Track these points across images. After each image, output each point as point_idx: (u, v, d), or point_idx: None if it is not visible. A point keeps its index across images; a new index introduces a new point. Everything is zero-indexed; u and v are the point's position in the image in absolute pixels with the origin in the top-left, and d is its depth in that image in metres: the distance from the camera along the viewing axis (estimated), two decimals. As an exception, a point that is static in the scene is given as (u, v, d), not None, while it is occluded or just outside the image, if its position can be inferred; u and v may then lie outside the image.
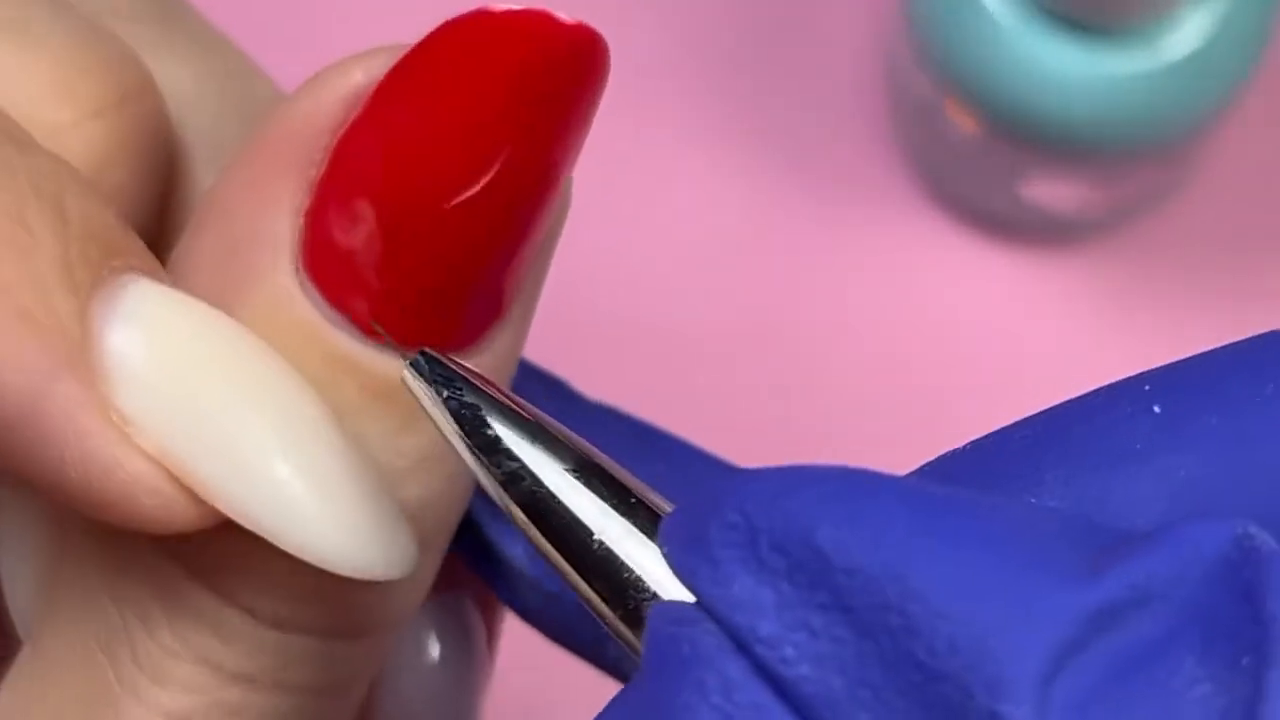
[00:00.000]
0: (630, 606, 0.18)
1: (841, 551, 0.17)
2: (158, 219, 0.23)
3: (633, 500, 0.19)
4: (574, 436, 0.19)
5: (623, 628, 0.18)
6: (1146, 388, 0.19)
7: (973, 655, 0.16)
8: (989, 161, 0.49)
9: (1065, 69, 0.45)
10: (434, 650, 0.26)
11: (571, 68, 0.21)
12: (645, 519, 0.19)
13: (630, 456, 0.23)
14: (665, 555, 0.18)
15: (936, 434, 0.56)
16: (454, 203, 0.20)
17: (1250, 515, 0.17)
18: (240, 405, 0.20)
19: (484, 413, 0.19)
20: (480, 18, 0.20)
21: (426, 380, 0.20)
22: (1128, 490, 0.18)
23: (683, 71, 0.53)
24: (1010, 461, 0.19)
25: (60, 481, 0.20)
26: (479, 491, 0.24)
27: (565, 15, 0.21)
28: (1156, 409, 0.18)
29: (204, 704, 0.21)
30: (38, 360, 0.19)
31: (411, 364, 0.20)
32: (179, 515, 0.20)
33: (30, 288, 0.19)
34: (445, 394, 0.19)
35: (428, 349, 0.20)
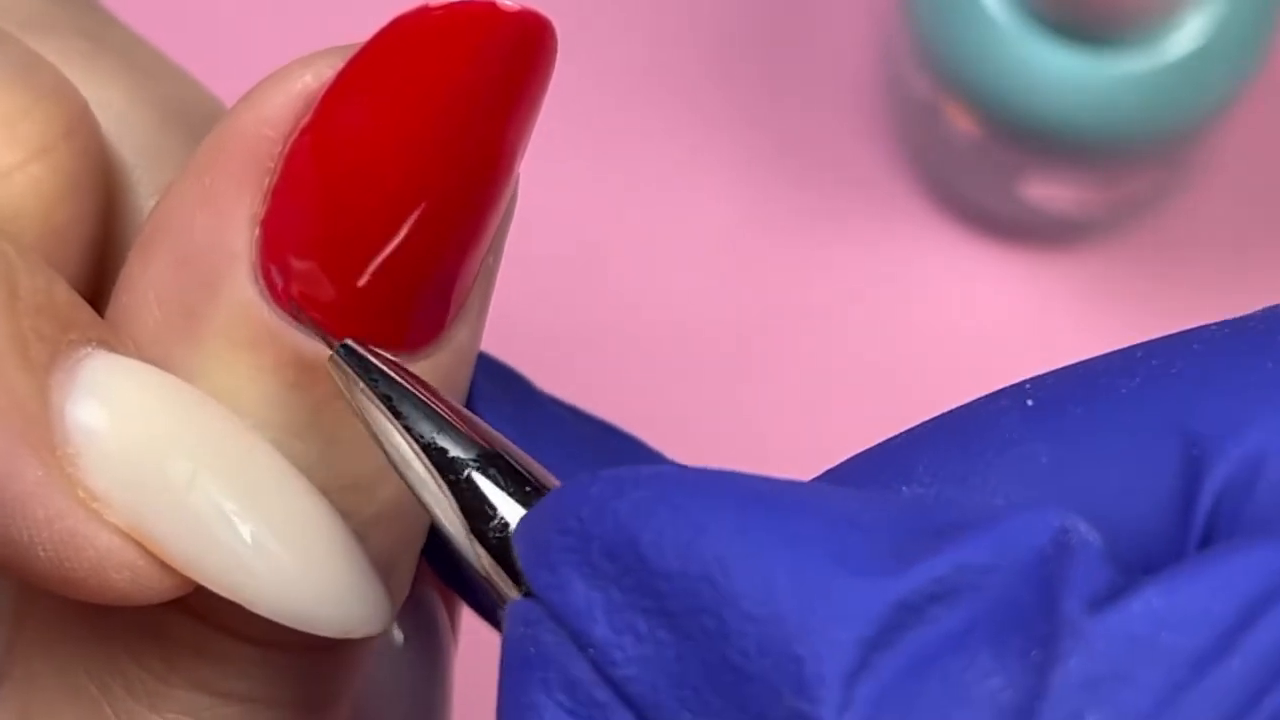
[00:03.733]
0: (525, 591, 0.19)
1: (660, 556, 0.17)
2: (101, 243, 0.23)
3: (528, 489, 0.19)
4: (483, 425, 0.20)
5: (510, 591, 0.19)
6: (1027, 386, 0.19)
7: (779, 656, 0.16)
8: (989, 162, 0.49)
9: (1065, 69, 0.45)
10: (398, 638, 0.26)
11: (520, 56, 0.21)
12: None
13: (584, 456, 0.24)
14: (517, 557, 0.18)
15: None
16: (405, 206, 0.20)
17: (1098, 504, 0.18)
18: (206, 477, 0.20)
19: (395, 401, 0.20)
20: (423, 14, 0.20)
21: (348, 366, 0.20)
22: (988, 476, 0.18)
23: (682, 71, 0.53)
24: (892, 455, 0.19)
25: (29, 561, 0.19)
26: None
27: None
28: (1029, 402, 0.19)
29: None
30: None
31: (334, 351, 0.20)
32: (151, 588, 0.20)
33: None
34: (362, 385, 0.20)
35: (350, 340, 0.20)
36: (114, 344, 0.20)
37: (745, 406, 0.51)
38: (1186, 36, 0.45)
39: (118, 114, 0.23)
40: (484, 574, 0.19)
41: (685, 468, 0.18)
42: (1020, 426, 0.19)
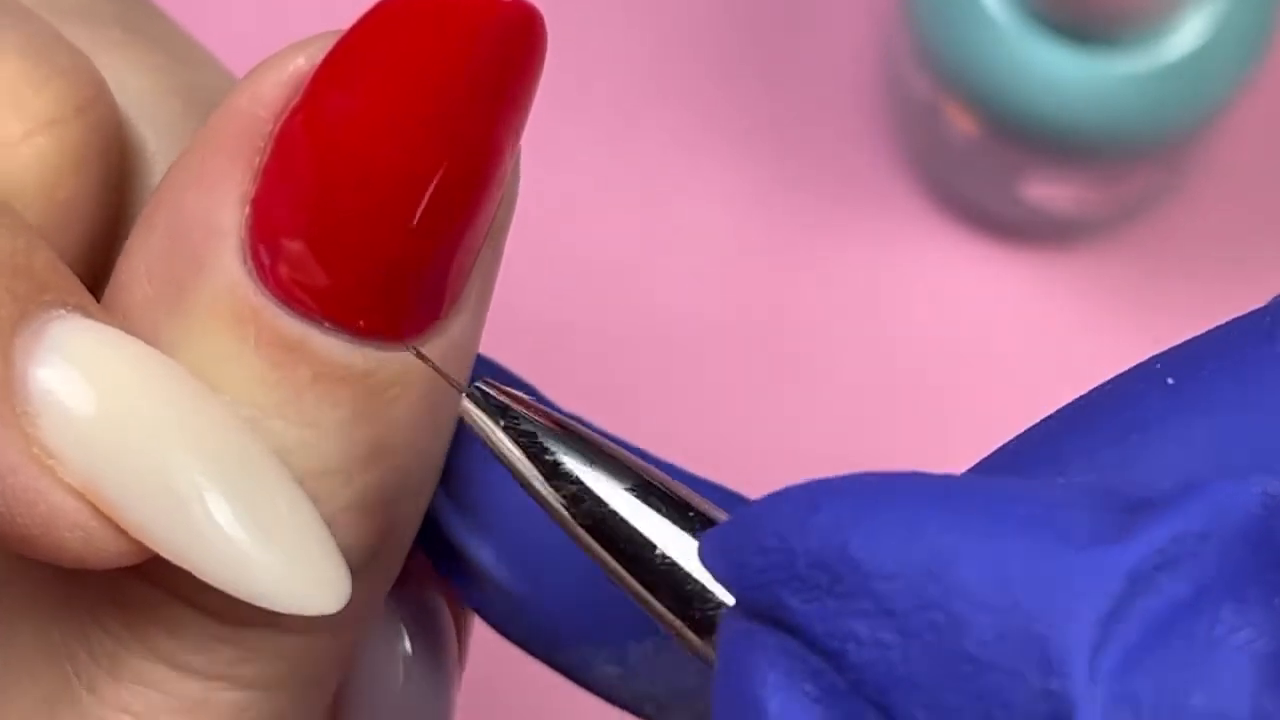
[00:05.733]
0: (696, 617, 0.19)
1: (877, 558, 0.17)
2: (115, 223, 0.23)
3: (690, 514, 0.19)
4: (629, 455, 0.20)
5: (691, 636, 0.19)
6: (1158, 366, 0.19)
7: (1020, 640, 0.16)
8: (989, 162, 0.49)
9: (1065, 69, 0.45)
10: (405, 645, 0.26)
11: (512, 41, 0.21)
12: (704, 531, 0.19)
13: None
14: (718, 581, 0.18)
15: (936, 433, 0.56)
16: (395, 188, 0.20)
17: (1269, 471, 0.18)
18: (168, 443, 0.20)
19: (541, 438, 0.20)
20: None
21: (484, 410, 0.20)
22: (1148, 458, 0.18)
23: (682, 72, 0.53)
24: (1037, 448, 0.19)
25: None
26: (444, 493, 0.24)
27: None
28: (1170, 380, 0.19)
29: (161, 699, 0.21)
30: None
31: (468, 394, 0.20)
32: (104, 549, 0.20)
33: None
34: (503, 422, 0.20)
35: (482, 381, 0.20)
36: (91, 310, 0.20)
37: (746, 406, 0.51)
38: (1186, 36, 0.45)
39: (141, 97, 0.23)
40: (651, 605, 0.19)
41: (868, 474, 0.18)
42: (1165, 404, 0.19)
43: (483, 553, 0.24)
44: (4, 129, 0.21)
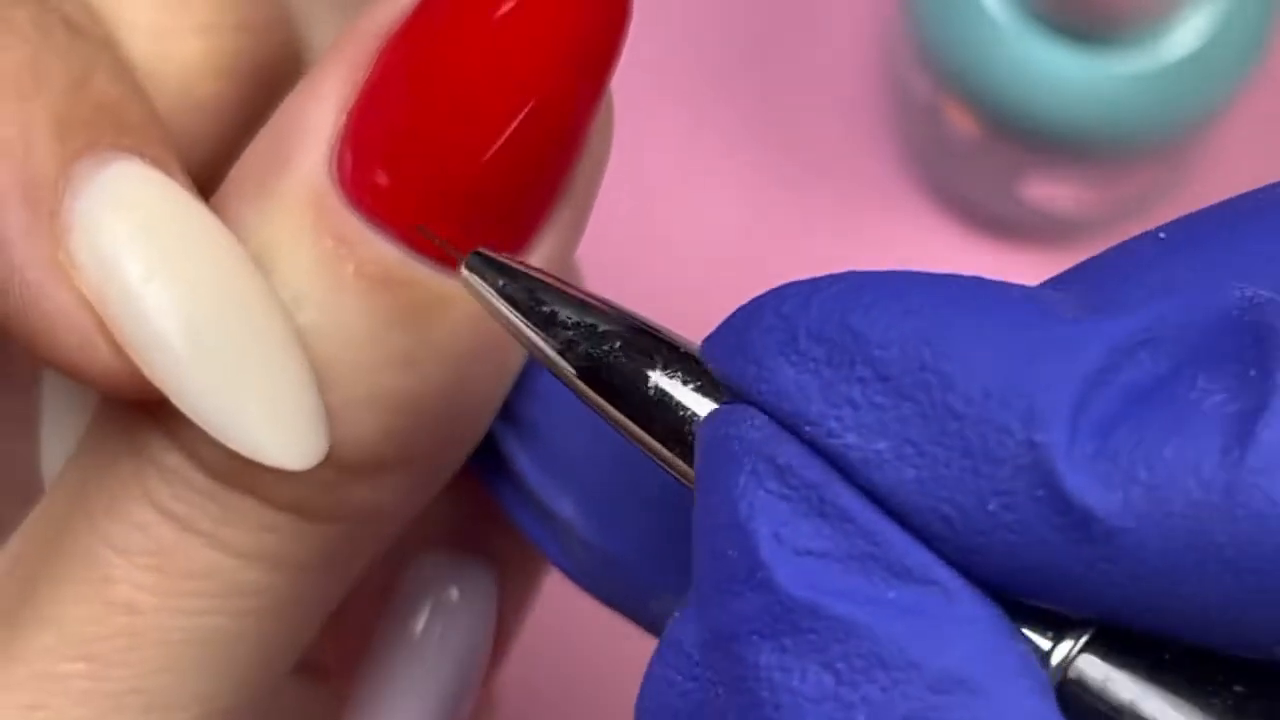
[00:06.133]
0: (689, 443, 0.20)
1: (875, 327, 0.18)
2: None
3: (681, 350, 0.20)
4: (621, 305, 0.21)
5: (682, 464, 0.20)
6: (1154, 229, 0.20)
7: (1006, 395, 0.17)
8: (989, 161, 0.49)
9: (1065, 69, 0.45)
10: (453, 594, 0.27)
11: (603, 6, 0.22)
12: (694, 367, 0.20)
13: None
14: (710, 368, 0.19)
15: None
16: (478, 117, 0.21)
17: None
18: (177, 281, 0.21)
19: (537, 292, 0.20)
20: None
21: (481, 274, 0.21)
22: (1138, 295, 0.19)
23: (682, 72, 0.53)
24: (1034, 291, 0.20)
25: None
26: (525, 449, 0.24)
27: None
28: (1161, 235, 0.20)
29: (140, 539, 0.22)
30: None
31: (466, 262, 0.21)
32: (98, 361, 0.21)
33: (14, 123, 0.21)
34: (501, 282, 0.21)
35: (481, 248, 0.21)
36: (168, 166, 0.22)
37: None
38: (1186, 36, 0.45)
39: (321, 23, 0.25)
40: (641, 439, 0.20)
41: (867, 270, 0.19)
42: (1157, 252, 0.20)
43: (564, 506, 0.25)
44: (162, 18, 0.23)
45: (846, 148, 0.53)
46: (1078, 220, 0.51)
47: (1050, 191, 0.49)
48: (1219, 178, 0.52)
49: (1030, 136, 0.46)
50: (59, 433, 0.25)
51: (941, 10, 0.46)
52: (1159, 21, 0.44)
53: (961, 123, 0.48)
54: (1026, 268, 0.52)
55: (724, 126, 0.53)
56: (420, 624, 0.26)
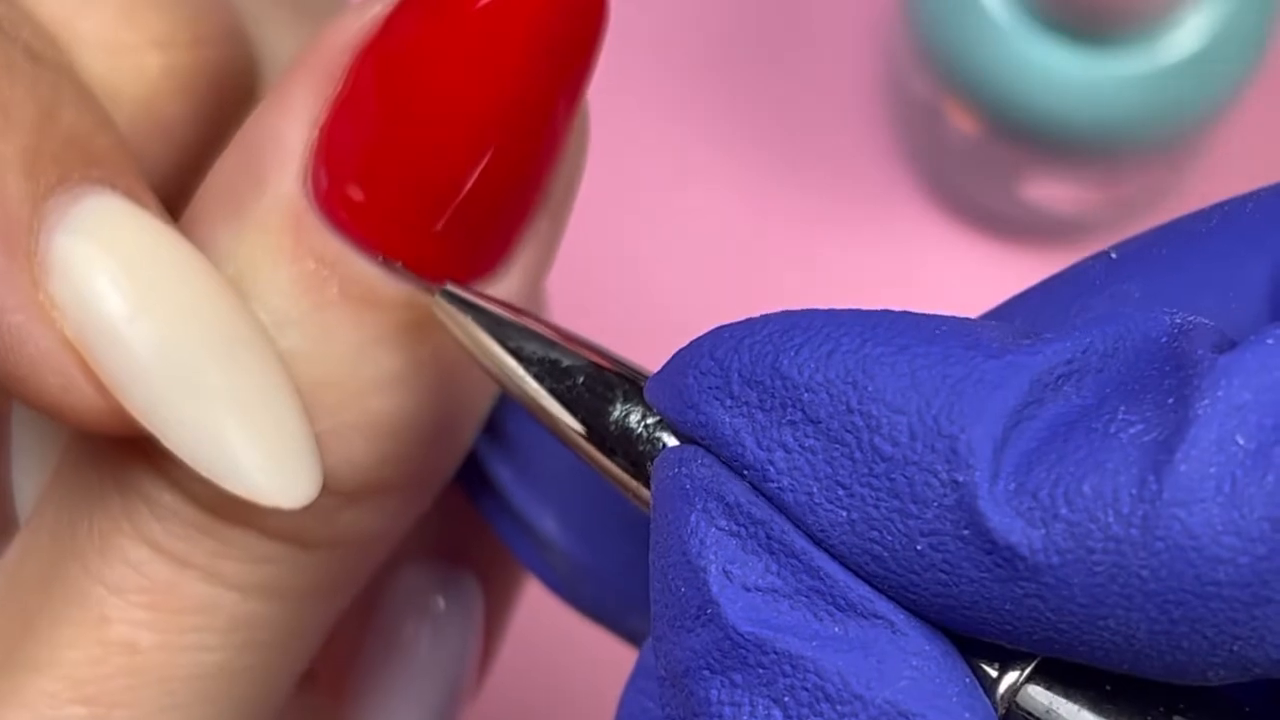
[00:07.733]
0: (648, 475, 0.20)
1: (804, 370, 0.18)
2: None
3: (640, 386, 0.20)
4: (585, 339, 0.21)
5: (646, 493, 0.20)
6: (1107, 249, 0.21)
7: (930, 436, 0.18)
8: (989, 161, 0.49)
9: (1065, 69, 0.45)
10: (439, 605, 0.27)
11: (575, 17, 0.22)
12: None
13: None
14: (657, 411, 0.20)
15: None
16: (451, 132, 0.21)
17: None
18: (160, 317, 0.21)
19: (504, 328, 0.21)
20: None
21: (448, 311, 0.21)
22: (1083, 314, 0.19)
23: (682, 72, 0.53)
24: (989, 316, 0.21)
25: None
26: (507, 464, 0.25)
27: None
28: (1113, 255, 0.20)
29: (135, 579, 0.22)
30: None
31: (439, 296, 0.21)
32: (83, 402, 0.20)
33: None
34: (470, 317, 0.21)
35: (449, 284, 0.21)
36: (139, 196, 0.21)
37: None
38: (1186, 36, 0.45)
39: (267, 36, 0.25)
40: (606, 469, 0.20)
41: (798, 310, 0.19)
42: (1107, 273, 0.20)
43: (546, 521, 0.25)
44: (119, 34, 0.22)
45: (846, 147, 0.53)
46: (1077, 220, 0.51)
47: (1050, 191, 0.49)
48: (1219, 178, 0.52)
49: (1030, 136, 0.46)
50: (30, 465, 0.25)
51: (941, 10, 0.46)
52: (1159, 22, 0.44)
53: (961, 123, 0.48)
54: (1026, 268, 0.52)
55: (723, 126, 0.53)
56: (408, 634, 0.26)
